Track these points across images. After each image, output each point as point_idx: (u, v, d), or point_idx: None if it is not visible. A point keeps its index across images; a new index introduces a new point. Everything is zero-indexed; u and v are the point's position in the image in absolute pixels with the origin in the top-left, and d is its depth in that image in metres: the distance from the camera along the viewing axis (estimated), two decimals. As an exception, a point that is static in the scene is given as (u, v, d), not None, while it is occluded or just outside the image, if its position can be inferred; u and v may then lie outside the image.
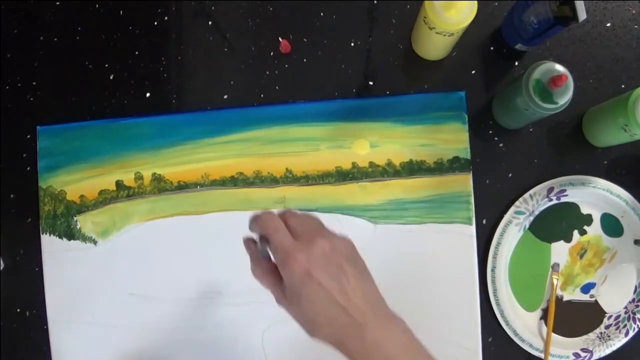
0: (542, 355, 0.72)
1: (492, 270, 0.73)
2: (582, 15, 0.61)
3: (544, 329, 0.73)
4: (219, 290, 0.75)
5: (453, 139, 0.75)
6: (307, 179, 0.75)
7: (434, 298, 0.74)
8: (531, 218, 0.74)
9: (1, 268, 0.76)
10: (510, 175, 0.75)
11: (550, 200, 0.73)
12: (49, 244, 0.76)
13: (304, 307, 0.47)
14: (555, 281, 0.73)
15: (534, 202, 0.73)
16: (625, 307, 0.73)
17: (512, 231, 0.73)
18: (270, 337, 0.74)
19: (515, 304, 0.74)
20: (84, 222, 0.76)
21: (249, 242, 0.53)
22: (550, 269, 0.74)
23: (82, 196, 0.76)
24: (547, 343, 0.72)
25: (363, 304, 0.47)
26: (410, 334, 0.50)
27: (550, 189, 0.73)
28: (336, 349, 0.48)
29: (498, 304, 0.73)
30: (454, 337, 0.73)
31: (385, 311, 0.50)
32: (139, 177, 0.76)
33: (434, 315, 0.73)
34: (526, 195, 0.73)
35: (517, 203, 0.73)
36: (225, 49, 0.78)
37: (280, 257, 0.48)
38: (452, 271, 0.74)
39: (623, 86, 0.75)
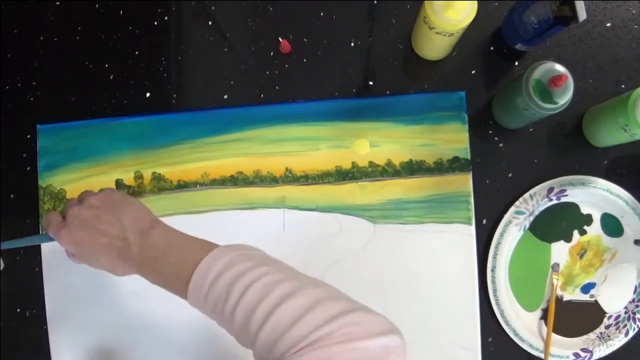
0: (542, 355, 0.72)
1: (492, 270, 0.73)
2: (582, 15, 0.61)
3: (544, 329, 0.73)
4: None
5: (453, 138, 0.75)
6: (306, 179, 0.75)
7: (434, 298, 0.74)
8: (531, 218, 0.74)
9: (1, 268, 0.76)
10: (510, 175, 0.75)
11: (550, 200, 0.73)
12: (49, 243, 0.76)
13: (90, 261, 0.59)
14: (555, 281, 0.73)
15: (534, 202, 0.73)
16: (625, 307, 0.73)
17: (512, 231, 0.73)
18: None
19: (515, 303, 0.74)
20: (84, 222, 0.76)
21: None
22: (550, 269, 0.74)
23: (82, 196, 0.76)
24: (547, 343, 0.72)
25: (121, 232, 0.57)
26: (168, 233, 0.58)
27: (550, 189, 0.73)
28: (133, 273, 0.58)
29: (498, 304, 0.72)
30: (454, 337, 0.73)
31: (145, 225, 0.58)
32: (138, 176, 0.76)
33: (434, 315, 0.73)
34: (526, 195, 0.73)
35: (517, 203, 0.73)
36: (225, 49, 0.78)
37: (57, 240, 0.59)
38: (452, 271, 0.74)
39: (623, 86, 0.75)
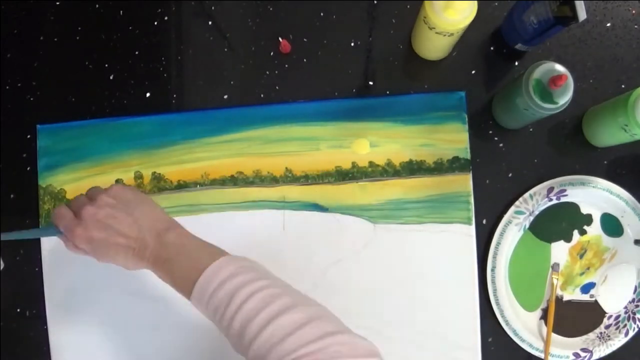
0: (542, 355, 0.72)
1: (492, 270, 0.73)
2: (582, 15, 0.61)
3: (544, 329, 0.73)
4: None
5: (453, 139, 0.75)
6: (306, 179, 0.75)
7: (434, 298, 0.74)
8: (531, 218, 0.74)
9: (1, 268, 0.76)
10: (510, 175, 0.75)
11: (550, 200, 0.73)
12: (49, 243, 0.76)
13: (105, 259, 0.59)
14: (555, 281, 0.73)
15: (534, 202, 0.73)
16: (625, 307, 0.73)
17: (512, 231, 0.73)
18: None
19: (515, 303, 0.74)
20: (84, 222, 0.76)
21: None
22: (550, 269, 0.74)
23: (82, 196, 0.76)
24: (547, 343, 0.72)
25: (138, 233, 0.58)
26: (182, 236, 0.59)
27: (550, 189, 0.73)
28: (148, 269, 0.59)
29: (498, 304, 0.72)
30: (454, 337, 0.73)
31: (160, 226, 0.59)
32: (138, 176, 0.76)
33: (434, 315, 0.73)
34: (526, 195, 0.73)
35: (517, 203, 0.73)
36: (225, 49, 0.78)
37: (69, 238, 0.59)
38: (452, 271, 0.74)
39: (623, 86, 0.75)
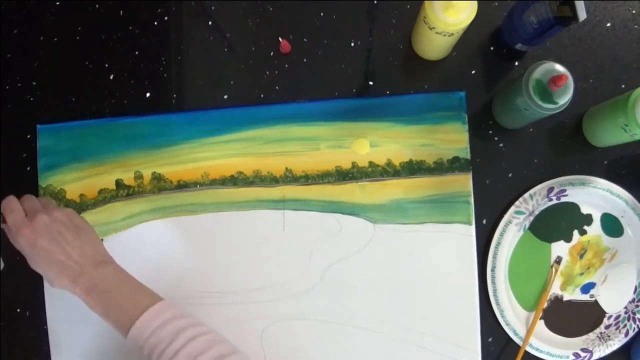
0: (542, 355, 0.72)
1: (492, 270, 0.73)
2: (582, 15, 0.61)
3: (544, 328, 0.73)
4: (218, 289, 0.75)
5: (453, 139, 0.75)
6: (306, 179, 0.75)
7: (434, 298, 0.74)
8: (531, 218, 0.74)
9: (1, 268, 0.76)
10: (510, 175, 0.75)
11: (550, 200, 0.73)
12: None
13: (37, 267, 0.62)
14: (554, 270, 0.73)
15: (534, 202, 0.73)
16: (625, 307, 0.73)
17: (512, 231, 0.73)
18: (269, 337, 0.74)
19: (515, 303, 0.74)
20: (84, 222, 0.76)
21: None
22: (554, 262, 0.74)
23: (81, 195, 0.76)
24: (530, 327, 0.72)
25: (80, 258, 0.62)
26: (120, 273, 0.64)
27: (550, 189, 0.73)
28: (72, 293, 0.62)
29: (498, 304, 0.72)
30: (454, 337, 0.73)
31: (101, 259, 0.63)
32: (138, 176, 0.76)
33: (434, 315, 0.73)
34: (526, 195, 0.73)
35: (517, 203, 0.73)
36: (225, 49, 0.78)
37: (12, 232, 0.62)
38: (451, 271, 0.74)
39: (623, 86, 0.75)
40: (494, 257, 0.73)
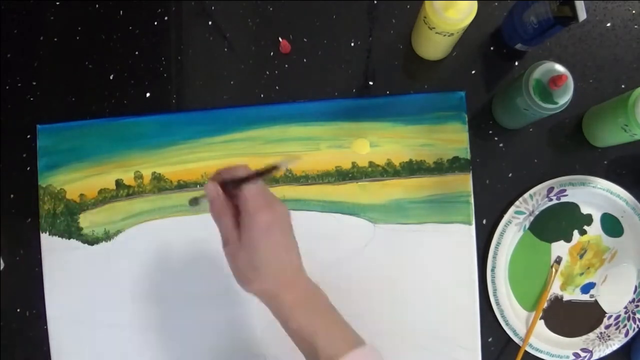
0: (542, 356, 0.72)
1: (492, 270, 0.73)
2: (582, 15, 0.61)
3: (544, 328, 0.73)
4: (219, 289, 0.75)
5: (453, 138, 0.75)
6: (306, 179, 0.75)
7: (434, 298, 0.74)
8: (531, 218, 0.74)
9: (1, 268, 0.76)
10: (510, 175, 0.75)
11: (550, 200, 0.73)
12: (49, 243, 0.76)
13: (258, 254, 0.53)
14: (554, 270, 0.73)
15: (534, 202, 0.73)
16: (625, 307, 0.73)
17: (512, 231, 0.73)
18: (270, 336, 0.74)
19: (515, 303, 0.74)
20: (84, 221, 0.76)
21: (210, 186, 0.56)
22: (554, 262, 0.74)
23: (82, 195, 0.76)
24: (530, 328, 0.72)
25: (298, 265, 0.57)
26: (328, 299, 0.58)
27: (550, 189, 0.73)
28: (264, 300, 0.56)
29: (498, 304, 0.73)
30: (454, 337, 0.73)
31: (308, 277, 0.58)
32: (138, 176, 0.76)
33: (434, 315, 0.73)
34: (526, 195, 0.73)
35: (517, 203, 0.73)
36: (225, 49, 0.78)
37: (252, 205, 0.53)
38: (452, 271, 0.74)
39: (623, 86, 0.75)
40: (494, 257, 0.73)
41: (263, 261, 0.54)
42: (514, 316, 0.73)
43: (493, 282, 0.73)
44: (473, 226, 0.74)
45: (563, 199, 0.74)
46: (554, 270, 0.73)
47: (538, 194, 0.73)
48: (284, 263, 0.55)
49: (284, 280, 0.55)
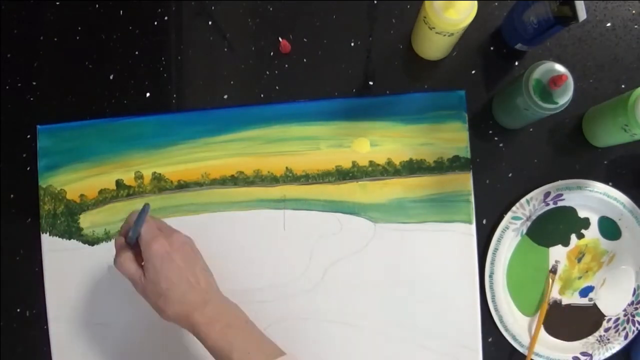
0: None
1: (490, 277, 0.73)
2: (582, 15, 0.61)
3: (543, 333, 0.73)
4: (219, 289, 0.75)
5: (453, 138, 0.75)
6: (307, 178, 0.75)
7: (435, 297, 0.74)
8: (528, 223, 0.73)
9: (1, 268, 0.77)
10: (510, 175, 0.75)
11: (547, 204, 0.73)
12: (49, 243, 0.76)
13: (161, 282, 0.59)
14: (550, 281, 0.73)
15: (531, 207, 0.73)
16: (625, 310, 0.73)
17: (509, 236, 0.73)
18: (270, 337, 0.74)
19: (514, 309, 0.73)
20: (84, 222, 0.76)
21: (115, 239, 0.63)
22: (549, 272, 0.73)
23: (82, 195, 0.76)
24: (533, 339, 0.72)
25: (207, 286, 0.61)
26: (243, 312, 0.62)
27: (547, 194, 0.73)
28: (181, 324, 0.60)
29: (497, 310, 0.72)
30: (455, 336, 0.73)
31: (223, 296, 0.63)
32: (139, 176, 0.76)
33: (434, 314, 0.73)
34: (523, 200, 0.73)
35: (513, 208, 0.73)
36: (225, 49, 0.78)
37: (147, 238, 0.59)
38: (453, 270, 0.74)
39: (623, 86, 0.75)
40: (492, 264, 0.73)
41: (168, 286, 0.59)
42: (513, 321, 0.72)
43: (491, 288, 0.72)
44: (473, 225, 0.74)
45: (560, 203, 0.73)
46: (550, 280, 0.73)
47: (535, 199, 0.73)
48: (189, 285, 0.60)
49: (192, 302, 0.59)
